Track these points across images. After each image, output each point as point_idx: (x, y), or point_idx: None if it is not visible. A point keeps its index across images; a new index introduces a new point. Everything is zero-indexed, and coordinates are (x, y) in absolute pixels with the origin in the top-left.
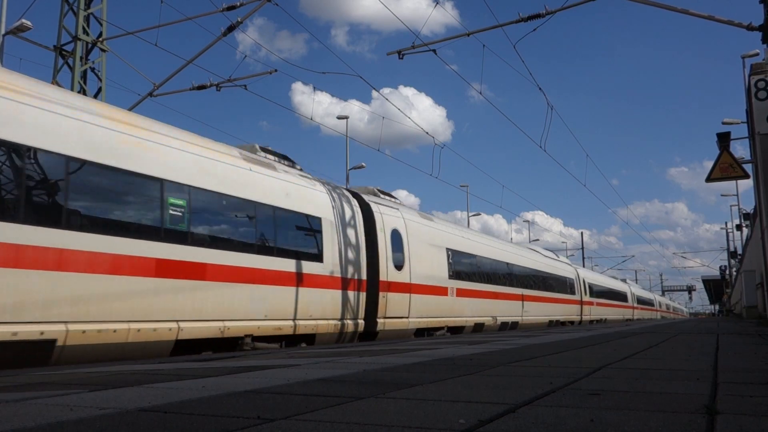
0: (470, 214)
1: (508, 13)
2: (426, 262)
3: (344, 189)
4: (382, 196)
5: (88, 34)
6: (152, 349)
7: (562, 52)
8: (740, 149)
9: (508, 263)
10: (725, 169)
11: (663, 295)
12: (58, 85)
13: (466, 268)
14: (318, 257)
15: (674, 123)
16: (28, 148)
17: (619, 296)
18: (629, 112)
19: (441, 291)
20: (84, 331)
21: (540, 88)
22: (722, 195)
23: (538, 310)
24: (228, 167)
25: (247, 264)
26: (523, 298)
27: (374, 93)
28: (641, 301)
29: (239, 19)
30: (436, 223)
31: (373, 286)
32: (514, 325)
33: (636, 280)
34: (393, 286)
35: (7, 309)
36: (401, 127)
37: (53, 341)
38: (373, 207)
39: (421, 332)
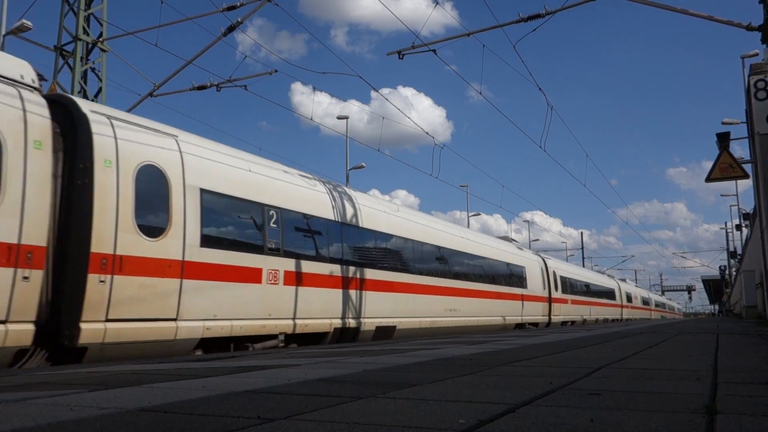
0: (470, 214)
1: (508, 13)
2: None
3: None
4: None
5: (88, 35)
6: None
7: (562, 52)
8: (740, 149)
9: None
10: (725, 169)
11: (662, 294)
12: (59, 86)
13: None
14: None
15: (673, 123)
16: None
17: (605, 293)
18: (629, 112)
19: None
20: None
21: (540, 88)
22: (722, 195)
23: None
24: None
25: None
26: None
27: (374, 93)
28: (632, 299)
29: (239, 20)
30: None
31: None
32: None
33: (636, 280)
34: None
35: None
36: (401, 127)
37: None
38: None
39: None
